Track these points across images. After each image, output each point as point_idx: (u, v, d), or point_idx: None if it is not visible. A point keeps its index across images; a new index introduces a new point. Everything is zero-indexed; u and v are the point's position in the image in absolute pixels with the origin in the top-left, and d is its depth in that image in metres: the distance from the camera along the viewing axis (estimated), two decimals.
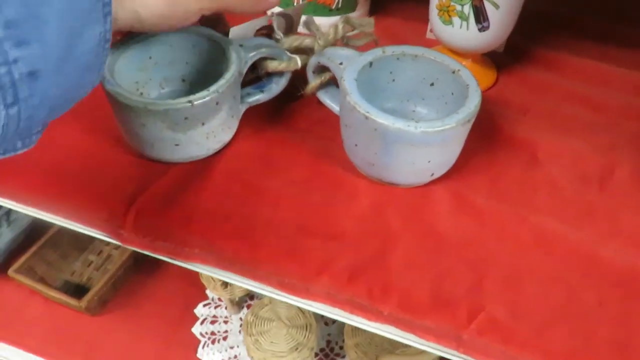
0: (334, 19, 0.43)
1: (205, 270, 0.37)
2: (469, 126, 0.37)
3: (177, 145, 0.38)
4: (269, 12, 0.47)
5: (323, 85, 0.44)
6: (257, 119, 0.44)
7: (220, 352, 0.74)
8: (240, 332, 0.76)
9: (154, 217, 0.37)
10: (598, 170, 0.42)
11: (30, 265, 0.76)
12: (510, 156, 0.43)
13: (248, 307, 0.79)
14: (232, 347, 0.75)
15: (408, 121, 0.34)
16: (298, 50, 0.43)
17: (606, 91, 0.51)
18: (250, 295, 0.80)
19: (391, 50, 0.40)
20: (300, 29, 0.45)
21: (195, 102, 0.36)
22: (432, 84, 0.41)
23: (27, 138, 0.25)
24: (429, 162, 0.37)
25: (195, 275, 0.74)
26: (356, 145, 0.38)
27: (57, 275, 0.80)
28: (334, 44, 0.42)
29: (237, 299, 0.76)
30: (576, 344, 0.32)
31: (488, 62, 0.52)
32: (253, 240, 0.36)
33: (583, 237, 0.37)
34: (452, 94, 0.40)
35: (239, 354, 0.74)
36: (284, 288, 0.35)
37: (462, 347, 0.32)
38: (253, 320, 0.69)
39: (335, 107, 0.43)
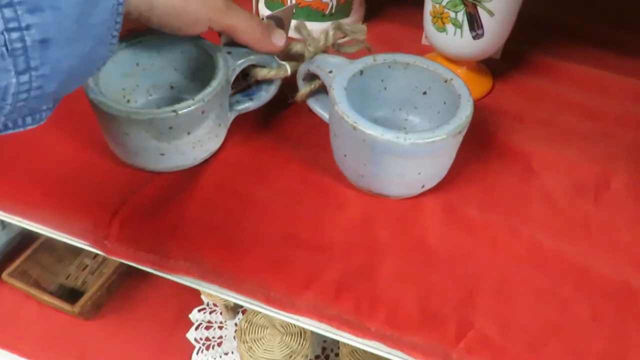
0: (328, 25, 0.42)
1: (190, 283, 0.37)
2: (460, 137, 0.36)
3: (162, 154, 0.37)
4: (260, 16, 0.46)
5: (313, 93, 0.43)
6: (246, 127, 0.44)
7: (215, 359, 0.73)
8: (235, 338, 0.75)
9: (138, 228, 0.37)
10: (594, 181, 0.41)
11: (24, 269, 0.76)
12: (504, 166, 0.42)
13: (244, 312, 0.78)
14: (226, 354, 0.74)
15: (397, 132, 0.33)
16: (288, 56, 0.42)
17: (604, 99, 0.50)
18: None
19: (382, 58, 0.39)
20: (292, 33, 0.44)
21: (180, 112, 0.35)
22: (424, 93, 0.41)
23: (37, 114, 0.25)
24: (419, 173, 0.36)
25: None
26: (345, 155, 0.37)
27: (52, 278, 0.80)
28: (324, 50, 0.41)
29: (232, 304, 0.75)
30: None
31: (483, 70, 0.51)
32: (238, 252, 0.36)
33: (577, 250, 0.37)
34: (445, 103, 0.39)
35: None
36: (270, 302, 0.35)
37: None
38: (247, 327, 0.68)
39: (325, 115, 0.42)
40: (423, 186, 0.38)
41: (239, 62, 0.39)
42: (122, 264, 0.76)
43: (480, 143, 0.44)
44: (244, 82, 0.43)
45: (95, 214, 0.37)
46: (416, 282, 0.34)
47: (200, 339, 0.75)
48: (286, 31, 0.45)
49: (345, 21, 0.55)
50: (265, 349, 0.66)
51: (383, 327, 0.33)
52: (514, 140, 0.45)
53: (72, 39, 0.22)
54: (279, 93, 0.43)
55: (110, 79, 0.38)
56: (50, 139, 0.42)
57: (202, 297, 0.79)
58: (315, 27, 0.45)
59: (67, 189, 0.39)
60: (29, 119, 0.25)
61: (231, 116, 0.41)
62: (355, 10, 0.56)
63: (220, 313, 0.78)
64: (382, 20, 0.60)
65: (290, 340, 0.67)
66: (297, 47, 0.41)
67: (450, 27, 0.44)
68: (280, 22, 0.43)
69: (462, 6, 0.42)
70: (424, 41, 0.55)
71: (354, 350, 0.65)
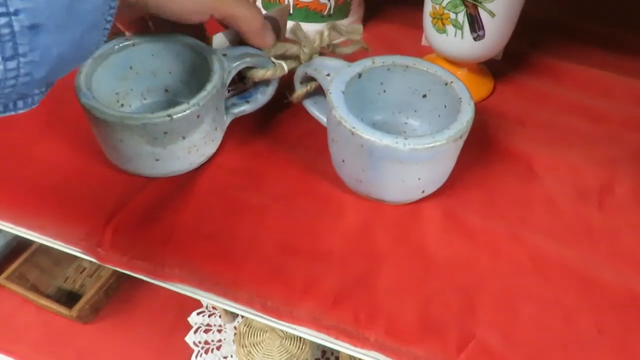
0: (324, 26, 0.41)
1: (185, 291, 0.36)
2: (461, 142, 0.35)
3: (157, 160, 0.36)
4: None
5: (311, 94, 0.42)
6: (243, 131, 0.43)
7: None
8: (234, 341, 0.74)
9: (133, 235, 0.36)
10: (597, 186, 0.41)
11: (22, 272, 0.76)
12: (505, 171, 0.42)
13: (243, 316, 0.77)
14: (225, 357, 0.74)
15: (396, 137, 0.33)
16: (284, 59, 0.41)
17: (607, 101, 0.49)
18: None
19: (381, 60, 0.39)
20: (288, 35, 0.43)
21: (175, 116, 0.34)
22: (424, 96, 0.40)
23: (29, 97, 0.24)
24: (419, 179, 0.35)
25: None
26: (343, 161, 0.37)
27: (50, 281, 0.79)
28: (320, 51, 0.40)
29: None
30: None
31: (485, 71, 0.50)
32: (235, 260, 0.35)
33: (581, 258, 0.36)
34: (445, 106, 0.38)
35: None
36: (267, 311, 0.34)
37: None
38: (246, 330, 0.68)
39: (322, 119, 0.42)
40: (423, 192, 0.37)
41: (235, 64, 0.38)
42: None
43: (481, 146, 0.43)
44: (241, 85, 0.42)
45: (89, 222, 0.36)
46: (416, 290, 0.34)
47: (199, 342, 0.75)
48: (283, 32, 0.44)
49: (344, 22, 0.54)
50: (265, 353, 0.66)
51: (382, 337, 0.32)
52: (515, 144, 0.44)
53: (63, 24, 0.22)
54: (276, 95, 0.42)
55: (103, 82, 0.38)
56: (43, 143, 0.41)
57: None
58: (314, 29, 0.45)
59: (61, 196, 0.38)
60: (20, 103, 0.24)
61: (227, 120, 0.40)
62: (354, 10, 0.55)
63: (220, 316, 0.77)
64: (381, 21, 0.59)
65: (290, 344, 0.66)
66: (292, 49, 0.40)
67: (450, 28, 0.43)
68: (275, 23, 0.42)
69: (462, 7, 0.41)
70: (423, 42, 0.54)
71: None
